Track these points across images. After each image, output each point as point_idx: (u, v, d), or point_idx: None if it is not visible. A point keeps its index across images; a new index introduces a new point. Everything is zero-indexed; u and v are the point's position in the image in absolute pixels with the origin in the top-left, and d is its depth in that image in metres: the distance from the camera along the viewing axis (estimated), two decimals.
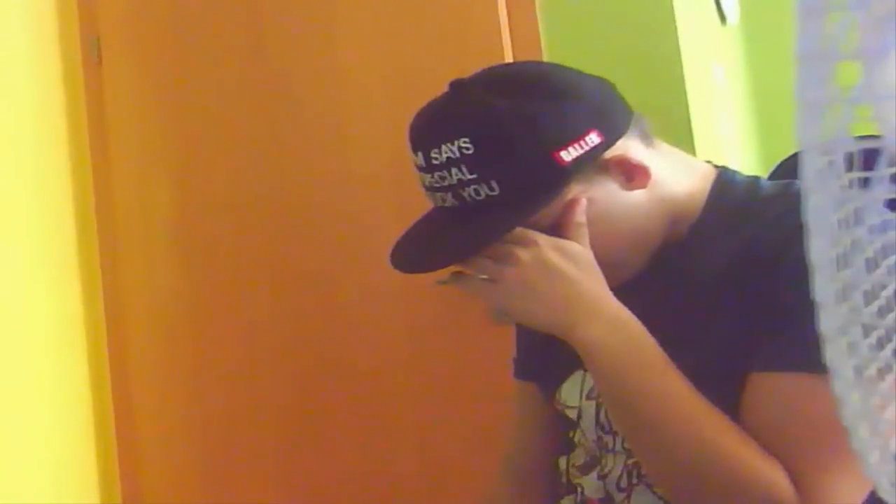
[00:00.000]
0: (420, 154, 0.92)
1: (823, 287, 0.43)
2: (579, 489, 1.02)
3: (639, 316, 0.92)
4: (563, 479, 1.05)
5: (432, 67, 1.88)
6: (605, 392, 0.93)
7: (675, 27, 1.75)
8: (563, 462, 1.05)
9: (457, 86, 0.94)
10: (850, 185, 0.42)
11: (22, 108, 1.89)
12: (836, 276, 0.43)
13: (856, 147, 0.42)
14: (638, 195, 0.94)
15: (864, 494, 0.83)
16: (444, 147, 0.89)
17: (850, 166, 0.42)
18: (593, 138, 0.90)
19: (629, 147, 0.94)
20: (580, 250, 0.90)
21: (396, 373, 1.92)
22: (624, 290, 0.94)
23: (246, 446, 2.01)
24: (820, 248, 0.43)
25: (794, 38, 0.40)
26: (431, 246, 0.97)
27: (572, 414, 1.03)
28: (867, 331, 0.44)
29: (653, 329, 0.91)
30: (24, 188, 1.85)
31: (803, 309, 0.48)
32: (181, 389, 2.05)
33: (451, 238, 0.94)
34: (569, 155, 0.88)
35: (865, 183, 0.42)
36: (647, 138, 0.98)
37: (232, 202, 2.04)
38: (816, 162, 0.42)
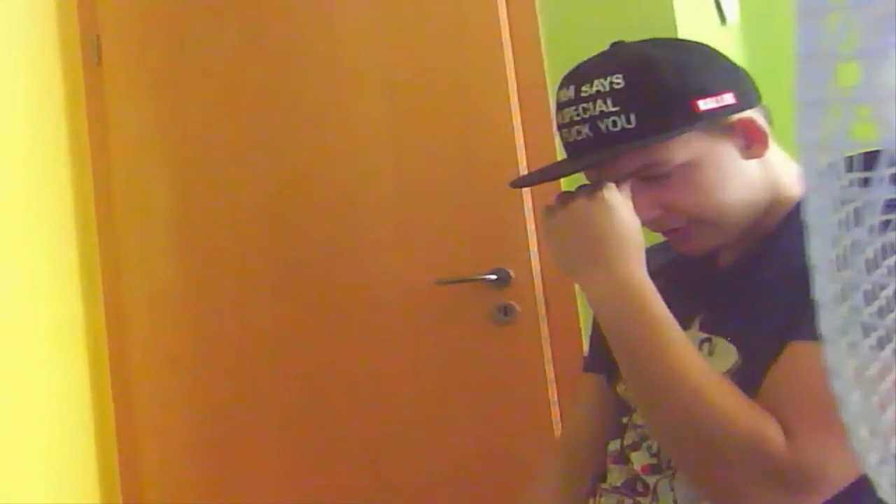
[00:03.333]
0: (571, 87, 1.03)
1: (823, 287, 0.43)
2: (629, 464, 1.09)
3: (714, 294, 1.04)
4: (619, 458, 1.11)
5: (432, 67, 1.88)
6: (608, 340, 1.01)
7: (675, 27, 1.75)
8: (614, 444, 1.12)
9: (617, 42, 1.08)
10: (850, 185, 0.42)
11: (22, 107, 1.89)
12: (836, 276, 0.43)
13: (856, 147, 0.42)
14: (751, 167, 1.03)
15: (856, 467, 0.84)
16: (596, 81, 1.00)
17: (850, 166, 0.42)
18: (728, 98, 1.01)
19: (756, 118, 1.03)
20: (620, 209, 1.00)
21: (397, 372, 1.92)
22: (701, 266, 1.07)
23: (246, 446, 2.01)
24: (820, 249, 0.43)
25: (794, 38, 0.40)
26: (551, 167, 1.13)
27: (630, 400, 1.11)
28: (867, 331, 0.44)
29: (717, 308, 1.03)
30: (24, 188, 1.85)
31: None
32: (181, 389, 2.05)
33: (570, 161, 1.07)
34: (705, 105, 0.99)
35: (865, 183, 0.42)
36: (769, 125, 1.05)
37: (232, 202, 2.04)
38: (816, 162, 0.42)
